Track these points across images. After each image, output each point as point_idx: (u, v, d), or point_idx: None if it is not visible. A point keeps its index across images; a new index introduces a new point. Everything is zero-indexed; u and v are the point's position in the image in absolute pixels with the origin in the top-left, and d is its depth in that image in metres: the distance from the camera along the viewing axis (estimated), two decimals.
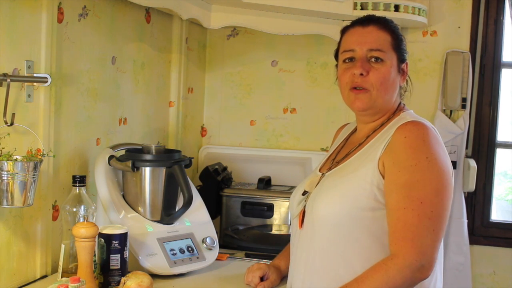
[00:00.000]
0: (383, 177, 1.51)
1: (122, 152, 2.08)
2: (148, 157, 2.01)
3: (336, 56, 1.72)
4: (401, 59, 1.64)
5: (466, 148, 2.90)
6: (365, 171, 1.52)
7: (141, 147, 2.09)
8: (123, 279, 1.71)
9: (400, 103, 1.69)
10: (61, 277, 1.75)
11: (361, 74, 1.58)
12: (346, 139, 1.78)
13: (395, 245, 1.45)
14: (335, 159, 1.70)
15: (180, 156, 2.05)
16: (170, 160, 2.01)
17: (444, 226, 1.49)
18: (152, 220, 2.00)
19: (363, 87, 1.60)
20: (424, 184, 1.46)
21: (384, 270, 1.44)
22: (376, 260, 1.48)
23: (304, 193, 1.68)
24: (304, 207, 1.63)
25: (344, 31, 1.70)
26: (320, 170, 1.73)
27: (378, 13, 2.24)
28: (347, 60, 1.64)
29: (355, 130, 1.77)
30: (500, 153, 2.99)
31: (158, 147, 2.06)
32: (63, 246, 1.78)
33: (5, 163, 1.55)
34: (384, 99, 1.61)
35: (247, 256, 2.36)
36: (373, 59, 1.60)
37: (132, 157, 2.00)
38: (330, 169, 1.67)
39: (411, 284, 1.45)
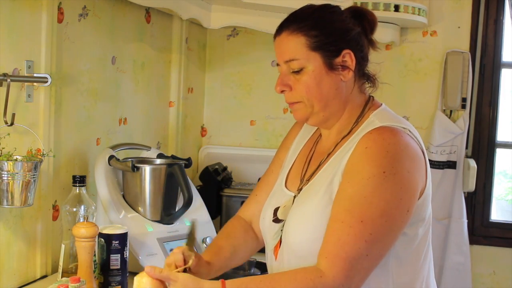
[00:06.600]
0: None
1: (122, 152, 2.08)
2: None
3: None
4: (333, 55, 1.39)
5: (466, 148, 2.90)
6: (330, 193, 1.35)
7: (141, 148, 2.09)
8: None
9: (369, 99, 1.46)
10: (61, 277, 1.75)
11: (283, 91, 1.43)
12: (312, 150, 1.53)
13: (326, 259, 1.28)
14: (305, 175, 1.48)
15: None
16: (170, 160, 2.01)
17: (383, 253, 1.30)
18: (152, 220, 2.00)
19: (292, 101, 1.44)
20: (372, 201, 1.27)
21: (308, 286, 1.27)
22: None
23: (277, 220, 1.47)
24: (281, 237, 1.44)
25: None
26: (287, 186, 1.51)
27: (378, 13, 2.17)
28: None
29: (320, 136, 1.54)
30: (500, 153, 2.99)
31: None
32: (63, 246, 1.78)
33: (5, 163, 1.55)
34: (325, 106, 1.42)
35: None
36: (292, 71, 1.41)
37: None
38: (301, 189, 1.46)
39: None
